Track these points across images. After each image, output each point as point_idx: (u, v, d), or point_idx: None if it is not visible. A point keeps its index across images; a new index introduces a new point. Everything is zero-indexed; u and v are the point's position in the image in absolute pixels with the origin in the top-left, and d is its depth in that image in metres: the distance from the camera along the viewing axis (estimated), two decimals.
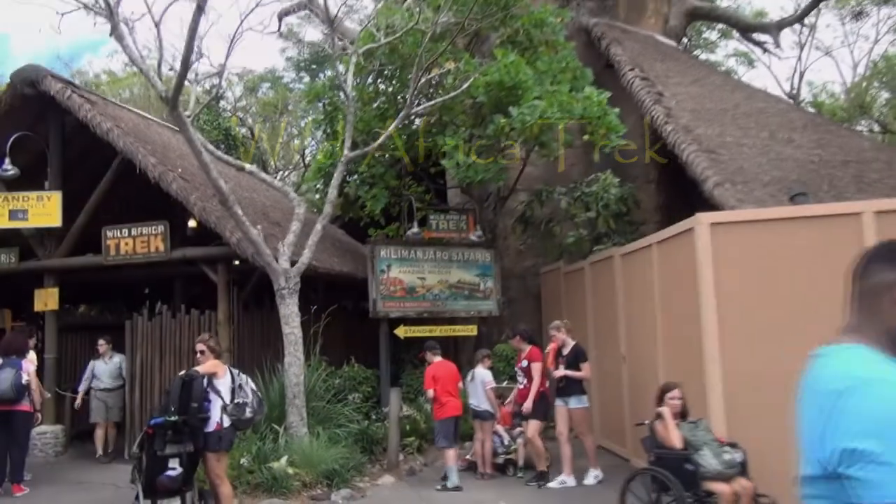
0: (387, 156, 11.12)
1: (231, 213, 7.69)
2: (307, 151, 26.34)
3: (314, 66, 28.26)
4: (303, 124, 27.26)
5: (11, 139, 10.07)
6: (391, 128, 8.59)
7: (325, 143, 11.20)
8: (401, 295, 10.74)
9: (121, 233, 9.90)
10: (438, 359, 8.41)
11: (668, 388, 5.54)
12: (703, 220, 6.48)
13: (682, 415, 5.44)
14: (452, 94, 9.17)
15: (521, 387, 8.25)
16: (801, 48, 26.23)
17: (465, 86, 9.12)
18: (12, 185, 10.42)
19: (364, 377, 10.57)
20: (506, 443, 8.56)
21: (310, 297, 10.97)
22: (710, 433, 5.32)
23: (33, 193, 10.26)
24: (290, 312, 8.27)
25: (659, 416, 5.35)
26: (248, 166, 9.02)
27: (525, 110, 8.67)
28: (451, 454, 8.04)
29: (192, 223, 11.39)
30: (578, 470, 7.78)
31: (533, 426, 7.86)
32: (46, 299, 10.44)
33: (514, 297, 12.72)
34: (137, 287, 15.89)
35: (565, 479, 7.63)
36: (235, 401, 6.25)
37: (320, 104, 10.78)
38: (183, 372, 6.22)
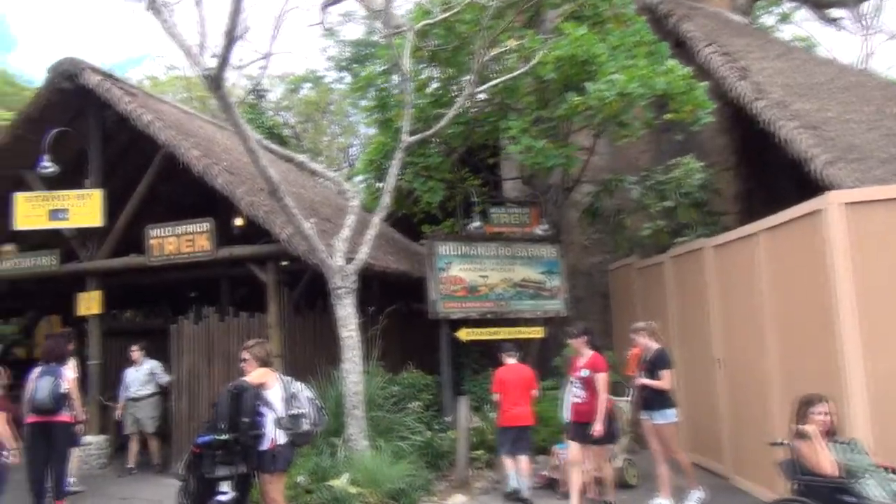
0: (442, 145, 10.33)
1: (281, 206, 6.97)
2: (351, 150, 25.78)
3: (355, 65, 27.69)
4: (347, 121, 26.72)
5: (50, 135, 9.55)
6: (455, 107, 7.77)
7: (377, 134, 10.44)
8: (462, 294, 9.92)
9: (164, 232, 9.29)
10: (511, 361, 7.59)
11: (813, 400, 4.57)
12: (833, 199, 5.51)
13: (830, 433, 4.48)
14: (517, 71, 8.32)
15: (579, 401, 6.75)
16: (869, 29, 24.70)
17: (532, 62, 8.26)
18: (52, 184, 9.93)
19: (424, 384, 9.76)
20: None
21: (364, 297, 10.26)
22: (868, 457, 4.35)
23: (73, 192, 9.73)
24: (347, 314, 7.52)
25: (803, 434, 4.40)
26: (298, 157, 8.30)
27: (602, 86, 7.77)
28: (507, 462, 7.37)
29: (238, 221, 10.77)
30: (670, 491, 6.84)
31: (600, 452, 6.92)
32: (89, 303, 9.90)
33: (579, 296, 11.80)
34: (182, 290, 15.41)
35: (663, 503, 6.70)
36: (290, 412, 5.50)
37: (370, 93, 10.02)
38: (230, 384, 5.49)
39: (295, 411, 5.49)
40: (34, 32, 49.08)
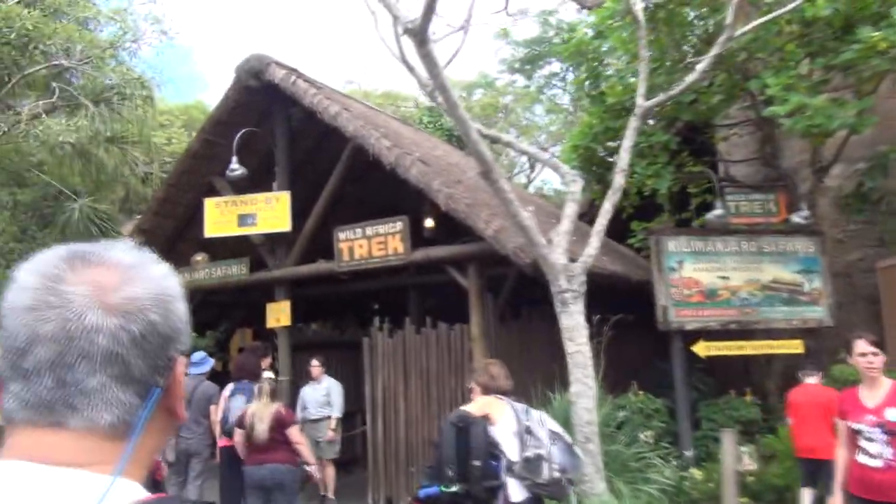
0: (661, 121, 8.63)
1: (496, 190, 5.68)
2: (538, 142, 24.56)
3: (528, 66, 26.50)
4: (524, 123, 25.52)
5: (239, 135, 9.06)
6: (714, 50, 6.09)
7: (586, 113, 8.95)
8: (698, 300, 8.12)
9: (354, 234, 8.39)
10: (811, 380, 5.89)
11: None
12: None
13: None
14: (777, 12, 6.47)
15: (878, 464, 3.91)
16: None
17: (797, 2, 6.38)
18: (240, 189, 9.46)
19: (654, 409, 8.06)
20: None
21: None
22: None
23: (261, 195, 9.15)
24: (574, 324, 6.06)
25: None
26: (504, 137, 6.99)
27: None
28: (805, 493, 5.97)
29: (428, 222, 9.73)
30: None
31: None
32: (278, 314, 9.26)
33: (838, 302, 9.50)
34: (366, 300, 14.80)
35: None
36: (525, 454, 4.03)
37: (575, 67, 8.56)
38: (453, 414, 4.18)
39: (531, 452, 4.01)
40: (223, 73, 52.95)
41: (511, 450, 3.99)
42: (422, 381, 7.91)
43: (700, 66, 6.19)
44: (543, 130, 27.38)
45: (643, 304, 8.79)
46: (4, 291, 0.77)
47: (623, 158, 6.31)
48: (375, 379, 8.26)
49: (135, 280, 0.79)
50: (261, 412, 5.84)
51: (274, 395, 6.02)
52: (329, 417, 8.26)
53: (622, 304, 9.94)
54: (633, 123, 6.34)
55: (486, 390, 4.41)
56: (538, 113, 27.67)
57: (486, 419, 4.06)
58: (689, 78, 6.31)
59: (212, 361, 7.65)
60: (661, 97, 6.51)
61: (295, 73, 9.04)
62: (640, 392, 8.18)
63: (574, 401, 6.08)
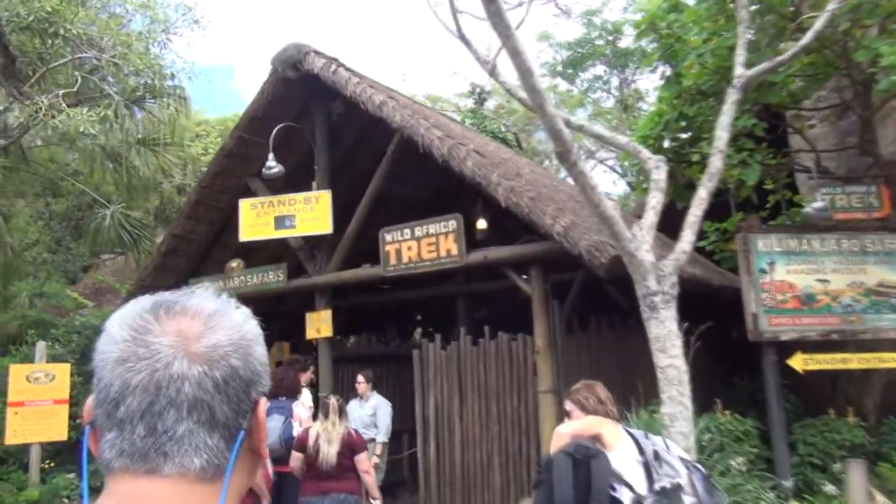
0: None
1: (575, 175, 4.81)
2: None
3: (570, 70, 25.65)
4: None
5: (276, 130, 8.37)
6: (831, 5, 5.15)
7: (661, 99, 8.02)
8: (793, 307, 7.11)
9: (402, 235, 7.59)
10: None
11: None
12: None
13: None
14: None
15: None
16: None
17: None
18: (277, 190, 8.77)
19: (742, 431, 7.06)
20: None
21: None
22: None
23: (300, 195, 8.43)
24: (666, 332, 5.14)
25: None
26: (574, 119, 6.13)
27: None
28: None
29: (481, 223, 8.93)
30: None
31: None
32: (319, 324, 8.50)
33: None
34: (410, 311, 14.00)
35: None
36: (660, 484, 3.12)
37: (650, 42, 7.67)
38: (569, 445, 3.31)
39: (667, 482, 3.10)
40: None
41: (637, 481, 3.11)
42: (479, 397, 7.05)
43: (811, 31, 5.24)
44: (579, 139, 26.40)
45: (717, 312, 7.84)
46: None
47: (721, 138, 5.38)
48: (427, 395, 7.42)
49: (216, 327, 0.81)
50: (329, 433, 5.09)
51: (342, 415, 5.25)
52: (374, 440, 7.42)
53: (695, 312, 8.99)
54: (731, 97, 5.42)
55: (586, 410, 3.54)
56: (581, 117, 26.76)
57: (597, 440, 3.22)
58: (797, 46, 5.37)
59: None
60: (765, 64, 5.56)
61: (335, 62, 8.32)
62: (727, 412, 7.19)
63: (667, 424, 5.15)
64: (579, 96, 24.88)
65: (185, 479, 0.76)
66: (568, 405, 3.34)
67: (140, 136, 10.18)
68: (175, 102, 10.11)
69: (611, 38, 24.63)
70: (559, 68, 26.18)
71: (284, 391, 6.20)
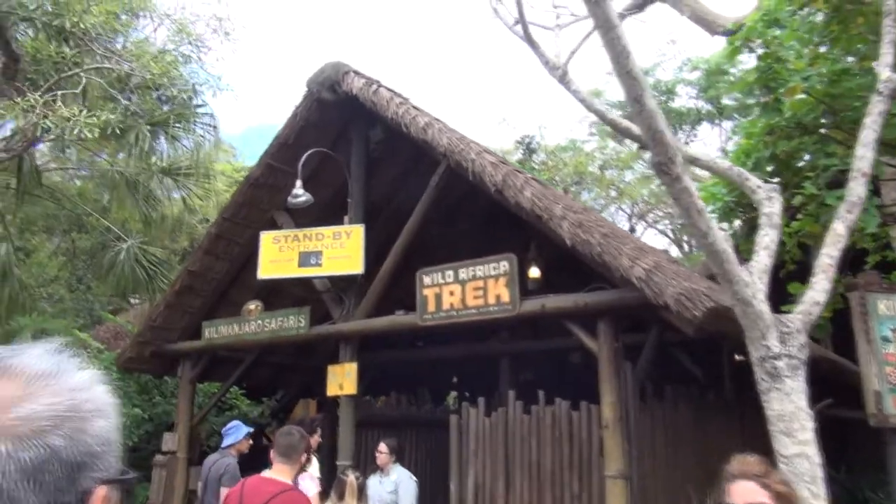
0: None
1: (675, 193, 3.65)
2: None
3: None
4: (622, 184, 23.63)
5: (307, 154, 7.44)
6: None
7: (750, 134, 6.85)
8: None
9: (444, 277, 6.46)
10: None
11: None
12: None
13: None
14: None
15: None
16: None
17: None
18: (302, 225, 7.80)
19: None
20: None
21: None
22: None
23: (328, 229, 7.42)
24: (792, 409, 3.86)
25: None
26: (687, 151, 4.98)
27: None
28: None
29: (533, 272, 7.77)
30: None
31: None
32: (342, 379, 7.33)
33: None
34: (443, 371, 12.73)
35: None
36: None
37: (748, 56, 6.57)
38: None
39: None
40: None
41: None
42: (530, 479, 5.73)
43: None
44: (636, 196, 25.33)
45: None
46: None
47: (864, 158, 4.18)
48: (465, 472, 6.13)
49: (37, 394, 0.66)
50: None
51: (362, 499, 4.06)
52: None
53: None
54: (877, 106, 4.25)
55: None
56: (627, 179, 25.73)
57: None
58: None
59: (243, 432, 5.74)
60: None
61: (376, 83, 7.41)
62: None
63: None
64: (630, 155, 23.88)
65: None
66: (760, 496, 2.07)
67: (163, 163, 9.38)
68: (203, 129, 9.35)
69: (664, 97, 23.77)
70: (608, 128, 25.32)
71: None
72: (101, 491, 0.67)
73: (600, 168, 23.05)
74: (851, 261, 6.86)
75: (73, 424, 0.65)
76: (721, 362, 7.71)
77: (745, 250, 5.39)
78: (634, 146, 25.96)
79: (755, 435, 7.20)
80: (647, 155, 3.70)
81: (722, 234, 3.87)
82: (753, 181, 4.76)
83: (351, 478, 4.23)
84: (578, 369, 9.64)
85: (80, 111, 6.74)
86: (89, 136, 6.77)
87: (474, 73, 46.61)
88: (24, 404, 0.64)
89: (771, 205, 4.58)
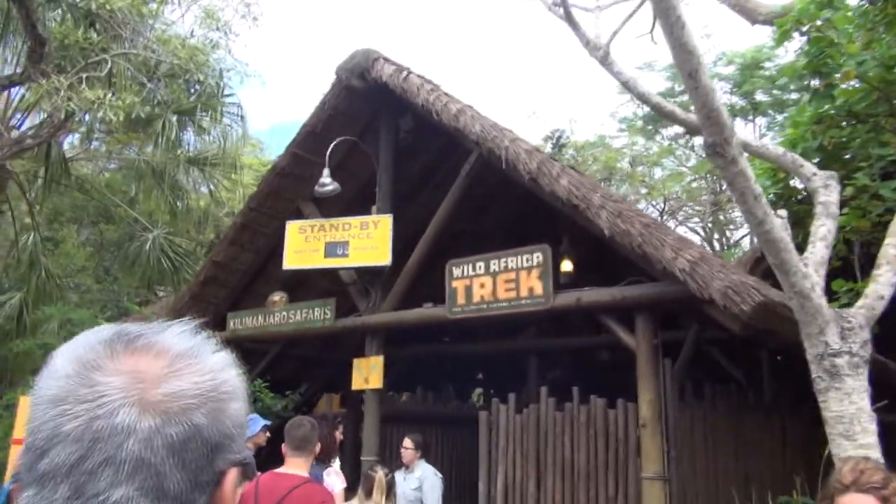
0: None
1: (731, 176, 3.42)
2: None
3: (650, 127, 24.38)
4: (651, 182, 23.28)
5: (335, 143, 7.29)
6: None
7: (796, 123, 6.55)
8: None
9: (474, 269, 6.25)
10: None
11: None
12: None
13: None
14: None
15: None
16: None
17: None
18: (329, 216, 7.64)
19: None
20: None
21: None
22: None
23: (355, 219, 7.26)
24: (854, 410, 3.61)
25: None
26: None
27: None
28: None
29: (565, 266, 7.52)
30: None
31: None
32: (367, 373, 7.15)
33: None
34: (469, 367, 12.51)
35: None
36: None
37: (798, 41, 6.26)
38: None
39: None
40: None
41: None
42: (563, 479, 5.50)
43: None
44: (666, 193, 24.88)
45: None
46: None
47: None
48: (494, 471, 5.92)
49: (183, 372, 0.67)
50: None
51: (390, 496, 3.87)
52: None
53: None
54: None
55: None
56: (657, 176, 25.31)
57: None
58: None
59: (260, 424, 5.57)
60: None
61: (407, 70, 7.22)
62: None
63: None
64: (667, 149, 23.40)
65: None
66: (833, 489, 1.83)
67: (190, 153, 9.29)
68: (230, 118, 9.23)
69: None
70: (639, 124, 24.98)
71: (319, 454, 4.85)
72: (233, 472, 0.68)
73: (630, 164, 22.68)
74: None
75: (214, 405, 0.67)
76: (760, 363, 7.41)
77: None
78: (665, 143, 25.55)
79: (795, 438, 6.91)
80: (698, 139, 3.46)
81: (780, 222, 3.62)
82: (809, 168, 4.49)
83: (380, 474, 4.05)
84: (607, 368, 9.39)
85: (106, 94, 6.65)
86: (114, 118, 6.66)
87: (505, 65, 46.31)
88: (172, 380, 0.65)
89: (828, 193, 4.31)
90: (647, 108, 24.89)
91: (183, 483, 0.63)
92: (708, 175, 24.13)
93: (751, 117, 21.13)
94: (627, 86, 4.89)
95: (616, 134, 25.73)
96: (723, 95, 21.62)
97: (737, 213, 25.21)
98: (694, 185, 24.77)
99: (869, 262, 5.69)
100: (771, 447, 6.59)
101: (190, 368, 0.67)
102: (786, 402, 6.99)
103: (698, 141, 26.12)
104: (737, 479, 5.84)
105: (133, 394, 0.63)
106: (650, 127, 24.54)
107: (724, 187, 24.40)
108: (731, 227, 24.90)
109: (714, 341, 6.75)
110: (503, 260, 6.06)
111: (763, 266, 6.81)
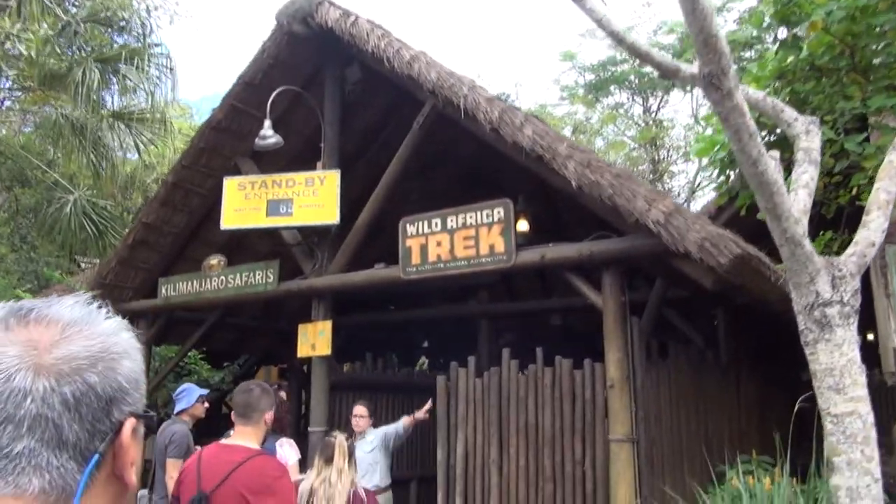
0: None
1: (725, 112, 3.12)
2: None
3: (590, 95, 24.40)
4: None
5: (276, 92, 6.74)
6: None
7: (758, 79, 6.39)
8: None
9: (430, 226, 5.88)
10: None
11: None
12: None
13: None
14: None
15: None
16: None
17: None
18: (269, 172, 7.13)
19: None
20: None
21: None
22: None
23: (300, 175, 6.77)
24: (844, 362, 3.43)
25: None
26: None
27: None
28: None
29: (522, 225, 7.23)
30: None
31: None
32: (314, 339, 6.71)
33: None
34: (415, 335, 12.22)
35: None
36: None
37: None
38: None
39: None
40: None
41: None
42: (527, 444, 5.26)
43: None
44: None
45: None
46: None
47: None
48: (454, 438, 5.62)
49: (72, 337, 0.74)
50: (328, 489, 3.34)
51: (351, 461, 3.51)
52: (385, 489, 5.59)
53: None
54: None
55: None
56: (598, 146, 25.43)
57: None
58: None
59: (195, 395, 5.11)
60: None
61: (355, 15, 6.71)
62: None
63: (840, 502, 3.38)
64: (610, 116, 23.42)
65: (21, 500, 0.69)
66: None
67: (115, 109, 8.52)
68: (159, 70, 8.48)
69: (636, 62, 23.44)
70: (580, 92, 24.92)
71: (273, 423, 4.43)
72: (130, 422, 0.75)
73: (572, 132, 22.63)
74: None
75: (105, 364, 0.74)
76: (716, 324, 7.35)
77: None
78: (606, 112, 25.58)
79: (750, 397, 6.88)
80: (691, 68, 3.14)
81: (773, 164, 3.37)
82: (790, 113, 4.28)
83: (340, 438, 3.68)
84: (559, 332, 9.23)
85: (14, 24, 5.90)
86: (25, 53, 5.92)
87: (450, 26, 45.66)
88: (63, 346, 0.72)
89: (809, 139, 4.11)
90: (590, 76, 24.81)
91: (81, 433, 0.71)
92: (647, 145, 24.39)
93: (689, 88, 21.35)
94: (601, 23, 4.55)
95: (558, 102, 25.65)
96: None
97: (676, 182, 25.52)
98: (635, 153, 25.02)
99: (833, 219, 5.64)
100: (729, 406, 6.55)
101: (81, 334, 0.73)
102: (742, 363, 6.95)
103: (638, 111, 26.31)
104: (698, 439, 5.74)
105: (28, 360, 0.70)
106: (591, 95, 24.56)
107: (664, 156, 24.73)
108: (672, 195, 25.39)
109: (671, 302, 6.61)
110: (461, 216, 5.71)
111: (721, 220, 6.69)
